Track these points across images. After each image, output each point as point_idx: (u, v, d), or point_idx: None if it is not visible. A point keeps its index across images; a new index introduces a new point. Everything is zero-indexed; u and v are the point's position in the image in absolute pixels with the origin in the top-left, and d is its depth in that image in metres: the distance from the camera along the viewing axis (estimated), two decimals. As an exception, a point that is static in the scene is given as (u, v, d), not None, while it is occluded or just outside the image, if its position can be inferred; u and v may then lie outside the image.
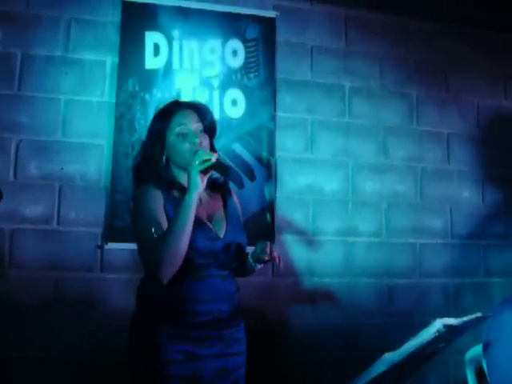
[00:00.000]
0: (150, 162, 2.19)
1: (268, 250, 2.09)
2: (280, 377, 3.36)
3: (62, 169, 3.26)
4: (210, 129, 2.25)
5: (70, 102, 3.32)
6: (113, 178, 3.28)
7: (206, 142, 2.17)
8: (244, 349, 2.23)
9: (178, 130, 2.16)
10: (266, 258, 2.10)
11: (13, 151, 3.21)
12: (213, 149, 2.23)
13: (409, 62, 3.96)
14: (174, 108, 2.24)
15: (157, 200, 2.10)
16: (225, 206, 2.29)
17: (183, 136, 2.15)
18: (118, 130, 3.32)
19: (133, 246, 3.18)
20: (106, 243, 3.24)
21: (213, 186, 2.28)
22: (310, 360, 3.43)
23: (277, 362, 3.40)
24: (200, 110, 2.24)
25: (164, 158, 2.18)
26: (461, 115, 4.02)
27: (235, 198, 2.38)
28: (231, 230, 2.20)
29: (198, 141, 2.12)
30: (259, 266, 2.24)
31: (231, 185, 2.39)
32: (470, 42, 4.08)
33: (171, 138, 2.16)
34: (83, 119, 3.32)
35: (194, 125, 2.17)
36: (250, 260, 2.24)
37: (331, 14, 3.84)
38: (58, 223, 3.23)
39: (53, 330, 3.10)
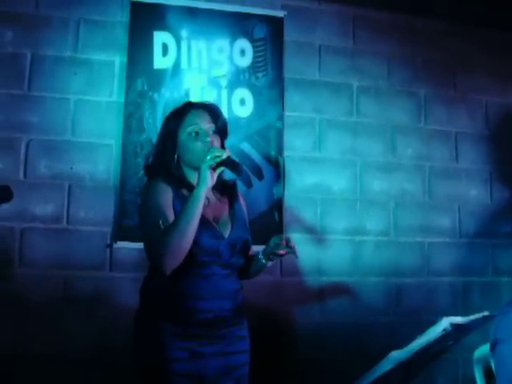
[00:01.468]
0: (162, 161, 2.22)
1: (284, 242, 2.11)
2: (288, 375, 3.37)
3: (72, 168, 3.28)
4: (221, 130, 2.26)
5: (79, 101, 3.34)
6: (122, 177, 3.30)
7: (217, 142, 2.19)
8: (247, 347, 2.25)
9: (190, 129, 2.18)
10: (281, 251, 2.13)
11: (23, 151, 3.23)
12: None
13: (417, 61, 3.95)
14: (186, 108, 2.26)
15: (166, 195, 2.11)
16: (231, 208, 2.30)
17: (195, 135, 2.17)
18: (127, 129, 3.34)
19: (141, 244, 3.22)
20: (115, 242, 3.26)
21: (221, 189, 2.30)
22: (318, 358, 3.43)
23: (284, 360, 3.40)
24: (213, 111, 2.26)
25: (176, 156, 2.20)
26: (469, 114, 4.01)
27: (242, 201, 2.39)
28: (236, 231, 2.21)
29: (209, 140, 2.14)
30: (270, 264, 2.26)
31: (239, 185, 2.41)
32: (477, 41, 4.07)
33: (183, 136, 2.18)
34: (92, 119, 3.34)
35: (206, 125, 2.19)
36: (261, 257, 2.25)
37: (339, 14, 3.84)
38: (68, 222, 3.25)
39: (62, 328, 3.12)
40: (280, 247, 2.14)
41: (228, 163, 2.06)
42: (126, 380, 3.05)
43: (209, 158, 2.01)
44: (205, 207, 2.07)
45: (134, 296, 3.25)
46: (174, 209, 2.09)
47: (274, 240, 2.18)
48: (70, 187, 3.27)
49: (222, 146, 2.25)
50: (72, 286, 3.20)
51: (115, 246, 3.26)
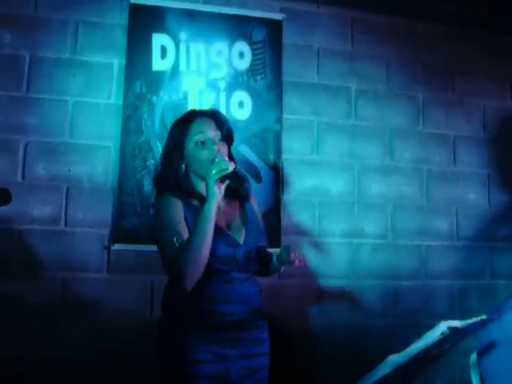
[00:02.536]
0: (170, 172, 2.21)
1: (292, 256, 2.08)
2: (285, 377, 3.36)
3: (70, 170, 3.28)
4: (227, 137, 2.27)
5: (77, 103, 3.34)
6: (120, 179, 3.30)
7: (224, 149, 2.19)
8: (268, 349, 2.27)
9: (196, 138, 2.18)
10: (289, 263, 2.11)
11: (21, 152, 3.23)
12: (230, 157, 2.23)
13: (415, 65, 3.96)
14: (191, 116, 2.26)
15: (177, 209, 2.12)
16: (243, 211, 2.31)
17: (202, 144, 2.17)
18: (125, 131, 3.34)
19: (139, 247, 3.24)
20: (113, 244, 3.26)
21: (231, 193, 2.28)
22: (315, 361, 3.44)
23: (281, 363, 3.40)
24: (217, 118, 2.26)
25: (183, 167, 2.21)
26: (467, 117, 4.02)
27: (253, 201, 2.40)
28: (250, 235, 2.22)
29: (216, 148, 2.13)
30: (283, 268, 2.23)
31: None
32: (476, 45, 4.08)
33: (190, 146, 2.19)
34: (91, 121, 3.34)
35: (212, 133, 2.19)
36: (275, 261, 2.23)
37: (338, 17, 3.84)
38: (66, 224, 3.25)
39: (60, 329, 3.12)
40: (290, 258, 2.09)
41: (232, 176, 2.07)
42: (124, 380, 3.07)
43: (214, 172, 1.99)
44: (217, 215, 2.08)
45: (131, 298, 3.27)
46: (186, 222, 2.11)
47: (284, 249, 2.13)
48: (67, 189, 3.27)
49: (229, 152, 2.26)
50: (70, 287, 3.20)
51: (113, 248, 3.26)
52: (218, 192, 2.02)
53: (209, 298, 2.10)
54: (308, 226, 3.60)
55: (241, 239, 2.19)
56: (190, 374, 2.05)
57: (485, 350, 1.76)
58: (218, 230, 2.08)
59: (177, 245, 2.01)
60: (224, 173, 2.01)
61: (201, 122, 2.21)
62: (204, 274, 2.02)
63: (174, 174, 2.20)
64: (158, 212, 2.19)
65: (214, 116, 2.26)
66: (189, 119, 2.24)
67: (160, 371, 2.15)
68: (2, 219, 3.07)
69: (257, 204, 2.43)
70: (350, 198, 3.71)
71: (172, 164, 2.21)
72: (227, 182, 2.09)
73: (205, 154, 2.14)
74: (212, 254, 2.02)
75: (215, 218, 2.05)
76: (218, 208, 2.14)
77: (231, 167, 2.02)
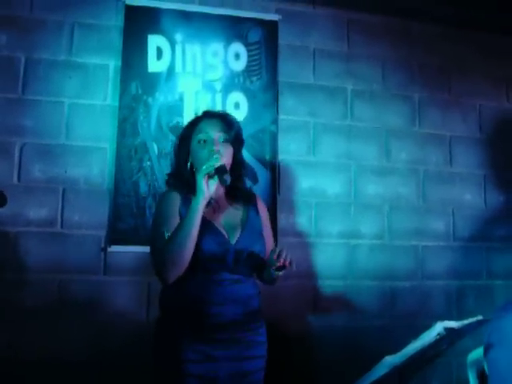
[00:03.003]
0: (176, 166, 2.32)
1: (275, 256, 2.07)
2: (281, 378, 3.36)
3: (66, 172, 3.27)
4: (235, 140, 2.31)
5: (73, 105, 3.33)
6: (116, 180, 3.30)
7: (226, 150, 2.23)
8: (264, 352, 2.28)
9: (199, 136, 2.25)
10: (279, 264, 2.07)
11: (17, 154, 3.22)
12: (236, 159, 2.30)
13: (411, 65, 3.96)
14: (201, 116, 2.35)
15: (173, 203, 2.19)
16: (245, 214, 2.32)
17: (203, 143, 2.23)
18: (121, 133, 3.34)
19: (136, 248, 3.24)
20: (110, 246, 3.25)
21: (235, 195, 2.35)
22: (312, 362, 3.44)
23: (277, 364, 3.40)
24: (226, 121, 2.32)
25: (189, 163, 2.27)
26: (463, 118, 4.02)
27: (262, 209, 2.41)
28: (246, 237, 2.23)
29: (215, 148, 2.18)
30: (281, 273, 2.17)
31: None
32: (472, 45, 4.08)
33: (194, 143, 2.26)
34: (87, 122, 3.34)
35: (215, 133, 2.24)
36: (268, 265, 2.19)
37: (334, 17, 3.84)
38: (62, 226, 3.24)
39: (57, 331, 3.12)
40: (277, 265, 2.07)
41: (220, 171, 2.11)
42: (121, 381, 3.06)
43: (204, 167, 2.06)
44: (214, 212, 2.14)
45: (128, 299, 3.27)
46: (180, 215, 2.15)
47: (272, 254, 2.10)
48: (64, 191, 3.26)
49: (235, 154, 2.31)
50: (66, 289, 3.20)
51: (109, 249, 3.25)
52: (205, 187, 2.07)
53: (199, 298, 2.12)
54: (305, 226, 3.60)
55: (234, 239, 2.20)
56: (180, 372, 2.08)
57: (494, 343, 1.75)
58: (209, 226, 2.14)
59: (166, 237, 2.07)
60: (210, 169, 2.06)
61: (208, 123, 2.28)
62: (192, 270, 2.07)
63: (179, 169, 2.29)
64: (156, 207, 2.31)
65: (223, 118, 2.32)
66: (199, 118, 2.33)
67: (154, 369, 2.18)
68: (-2, 221, 3.07)
69: (266, 211, 2.46)
70: (347, 199, 3.71)
71: (178, 159, 2.31)
72: (216, 178, 2.11)
73: (204, 152, 2.20)
74: (199, 248, 2.07)
75: (210, 216, 2.13)
76: (217, 204, 2.23)
77: (218, 163, 2.08)
